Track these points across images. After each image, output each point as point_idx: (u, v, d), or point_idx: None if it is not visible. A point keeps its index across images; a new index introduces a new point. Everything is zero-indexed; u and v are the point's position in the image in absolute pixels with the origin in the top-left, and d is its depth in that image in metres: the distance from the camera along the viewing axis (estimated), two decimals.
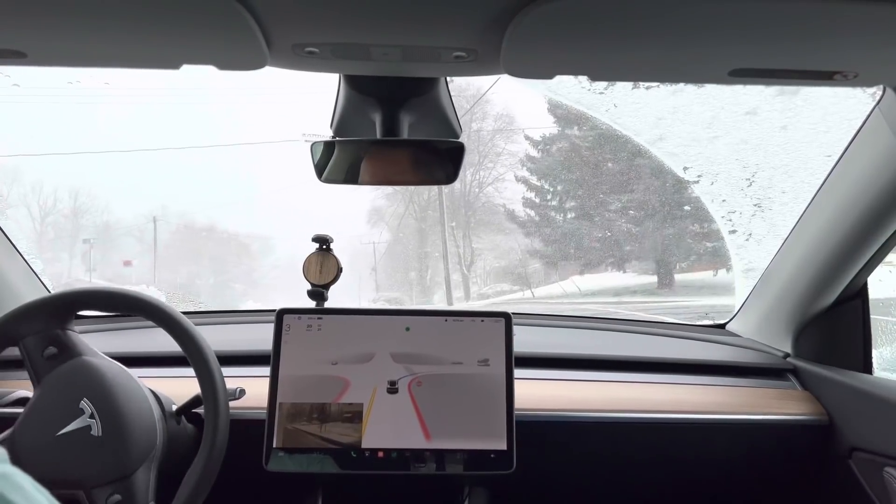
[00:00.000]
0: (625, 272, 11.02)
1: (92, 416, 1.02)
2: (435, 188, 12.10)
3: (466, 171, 13.17)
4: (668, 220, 10.24)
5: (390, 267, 14.67)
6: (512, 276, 12.97)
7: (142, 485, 1.02)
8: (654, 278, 10.27)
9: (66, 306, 1.11)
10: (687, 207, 10.11)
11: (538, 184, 12.67)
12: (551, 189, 12.73)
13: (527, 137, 13.07)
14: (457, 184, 13.72)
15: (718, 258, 10.10)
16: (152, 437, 1.05)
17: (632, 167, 10.30)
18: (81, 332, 1.27)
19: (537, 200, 12.37)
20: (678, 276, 10.33)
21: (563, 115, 11.01)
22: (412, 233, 14.30)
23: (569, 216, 11.78)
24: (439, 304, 11.95)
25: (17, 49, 0.76)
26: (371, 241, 14.02)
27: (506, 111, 13.60)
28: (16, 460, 0.98)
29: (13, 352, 1.10)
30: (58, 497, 0.48)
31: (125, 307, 1.12)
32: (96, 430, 1.01)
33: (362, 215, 14.31)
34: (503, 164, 13.69)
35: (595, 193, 11.08)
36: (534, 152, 13.31)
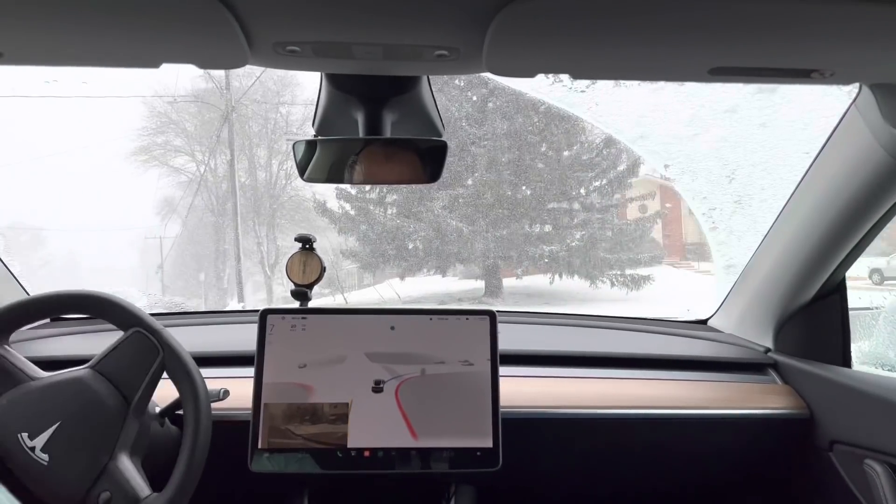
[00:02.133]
0: (450, 276, 10.07)
1: (32, 451, 1.01)
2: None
3: (273, 159, 12.26)
4: (502, 221, 9.60)
5: (181, 265, 13.17)
6: (325, 278, 11.19)
7: (126, 475, 1.02)
8: (482, 283, 9.64)
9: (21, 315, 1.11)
10: (553, 207, 9.59)
11: None
12: None
13: None
14: (261, 172, 12.25)
15: (556, 263, 9.67)
16: (112, 432, 1.04)
17: (464, 157, 9.53)
18: (58, 336, 1.26)
19: (353, 192, 10.59)
20: (510, 283, 9.78)
21: None
22: (208, 228, 12.44)
23: (390, 212, 10.36)
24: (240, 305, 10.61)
25: None
26: (158, 235, 12.40)
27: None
28: None
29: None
30: None
31: (103, 314, 1.11)
32: (43, 460, 1.01)
33: (152, 205, 12.54)
34: None
35: (422, 186, 9.79)
36: None
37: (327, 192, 10.41)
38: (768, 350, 1.51)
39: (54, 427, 1.02)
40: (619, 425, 1.33)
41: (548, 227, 10.17)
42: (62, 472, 1.01)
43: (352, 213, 10.51)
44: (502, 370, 1.24)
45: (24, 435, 1.01)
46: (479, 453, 1.18)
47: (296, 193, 12.05)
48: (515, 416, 1.27)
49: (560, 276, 9.89)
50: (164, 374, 1.09)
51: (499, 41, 0.73)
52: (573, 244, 9.90)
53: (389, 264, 10.28)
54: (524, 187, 9.95)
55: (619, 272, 9.86)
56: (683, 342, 1.63)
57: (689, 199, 1.93)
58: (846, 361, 1.39)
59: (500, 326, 1.25)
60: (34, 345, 1.47)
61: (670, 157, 1.91)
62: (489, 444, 1.18)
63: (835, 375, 1.32)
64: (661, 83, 1.64)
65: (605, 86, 1.75)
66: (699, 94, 1.70)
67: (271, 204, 12.32)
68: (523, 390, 1.34)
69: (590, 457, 1.37)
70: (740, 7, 0.66)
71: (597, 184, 10.19)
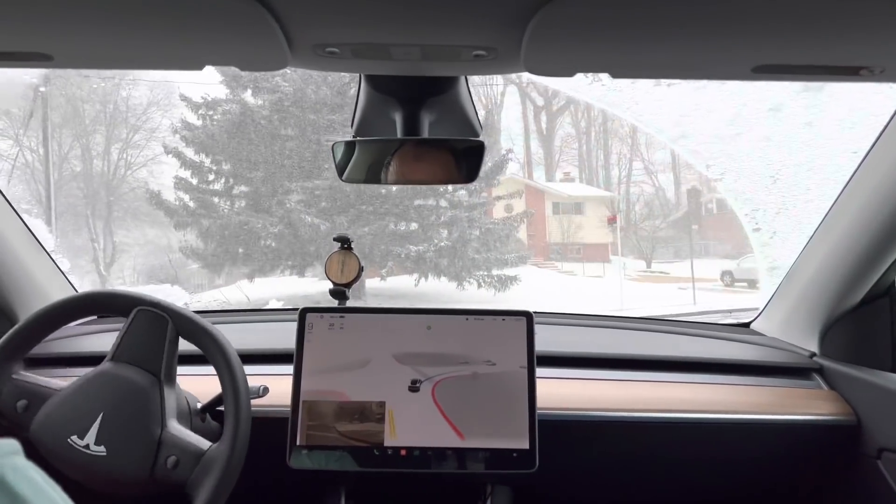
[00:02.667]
0: (310, 277, 9.27)
1: (87, 448, 1.04)
2: None
3: (112, 146, 11.03)
4: (364, 218, 8.99)
5: None
6: (167, 277, 10.20)
7: (183, 436, 1.06)
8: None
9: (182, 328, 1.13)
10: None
11: (196, 159, 9.72)
12: (214, 167, 9.75)
13: (183, 97, 10.08)
14: (98, 162, 10.79)
15: (422, 263, 9.24)
16: (153, 406, 1.07)
17: (322, 147, 8.71)
18: (101, 332, 1.29)
19: (195, 182, 9.58)
20: (373, 284, 9.23)
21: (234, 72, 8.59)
22: (34, 222, 10.52)
23: (238, 205, 9.52)
24: None
25: (44, 52, 0.77)
26: None
27: (164, 76, 10.61)
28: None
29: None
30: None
31: (122, 310, 1.14)
32: (101, 452, 1.04)
33: None
34: (159, 140, 10.51)
35: (276, 177, 9.10)
36: (192, 117, 9.99)
37: (166, 180, 9.56)
38: (813, 354, 1.48)
39: (98, 420, 1.04)
40: (659, 429, 1.31)
41: (414, 226, 9.70)
42: (123, 455, 1.03)
43: (191, 205, 9.60)
44: (539, 371, 1.23)
45: (74, 437, 1.04)
46: (515, 454, 1.18)
47: (139, 185, 10.92)
48: (552, 418, 1.27)
49: (426, 277, 9.56)
50: (204, 372, 1.11)
51: (537, 41, 0.73)
52: (441, 244, 9.53)
53: (237, 264, 9.52)
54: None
55: (486, 273, 9.60)
56: (725, 345, 1.60)
57: (732, 199, 1.89)
58: None
59: (536, 327, 1.25)
60: (79, 341, 1.52)
61: (712, 157, 1.88)
62: (526, 445, 1.18)
63: (884, 381, 1.28)
64: (703, 82, 1.62)
65: (644, 85, 1.73)
66: (742, 92, 1.67)
67: (108, 196, 11.01)
68: (560, 392, 1.33)
69: (628, 460, 1.36)
70: (785, 2, 0.64)
71: None
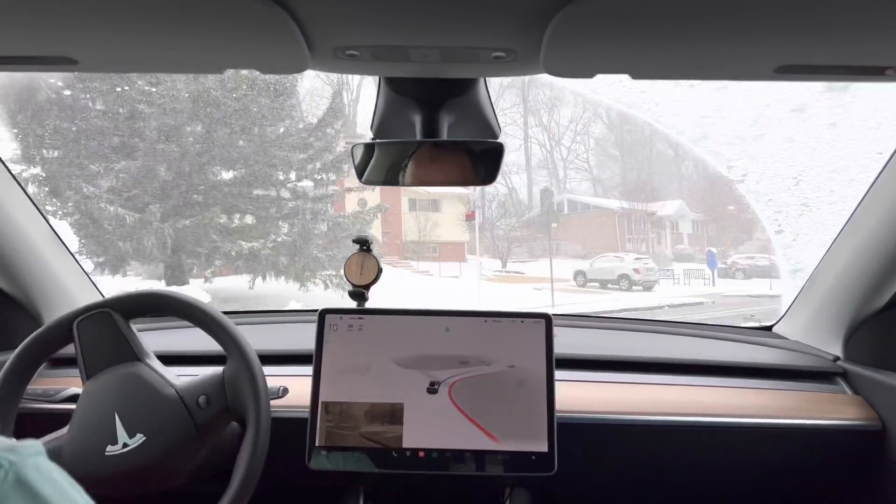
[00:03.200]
0: (132, 276, 8.51)
1: (126, 447, 1.05)
2: None
3: None
4: (192, 207, 7.90)
5: None
6: None
7: (196, 381, 1.10)
8: (161, 284, 8.07)
9: (130, 308, 1.14)
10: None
11: None
12: None
13: None
14: None
15: (254, 262, 8.26)
16: (155, 374, 1.09)
17: (135, 121, 7.49)
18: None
19: None
20: (199, 285, 8.37)
21: None
22: None
23: (31, 191, 7.89)
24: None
25: (69, 56, 0.79)
26: None
27: None
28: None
29: (67, 351, 1.13)
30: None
31: (173, 311, 1.14)
32: (139, 441, 1.05)
33: None
34: None
35: (72, 157, 7.69)
36: None
37: None
38: (837, 358, 1.46)
39: (117, 418, 1.06)
40: (680, 433, 1.30)
41: (249, 219, 8.74)
42: (160, 428, 1.05)
43: None
44: (558, 374, 1.23)
45: (108, 447, 1.05)
46: (533, 457, 1.17)
47: None
48: (572, 421, 1.26)
49: (263, 277, 8.73)
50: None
51: (557, 42, 0.73)
52: (280, 239, 8.58)
53: None
54: (220, 168, 8.08)
55: (333, 272, 8.76)
56: (747, 349, 1.58)
57: (754, 201, 1.87)
58: None
59: (555, 330, 1.24)
60: None
61: (733, 159, 1.86)
62: (544, 448, 1.17)
63: None
64: (724, 82, 1.60)
65: (665, 85, 1.71)
66: (764, 92, 1.65)
67: None
68: (580, 395, 1.33)
69: (648, 464, 1.35)
70: (808, 1, 0.63)
71: (310, 167, 8.73)
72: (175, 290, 1.18)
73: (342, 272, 1.36)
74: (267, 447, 1.07)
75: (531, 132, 21.55)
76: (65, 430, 1.09)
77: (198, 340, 1.25)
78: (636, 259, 13.54)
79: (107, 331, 1.12)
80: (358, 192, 9.76)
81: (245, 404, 1.08)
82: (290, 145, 8.73)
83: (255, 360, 1.10)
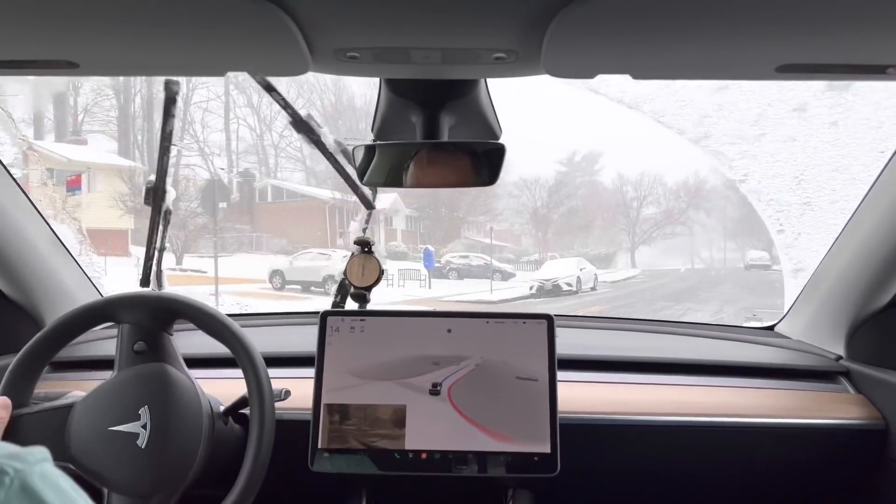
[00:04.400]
0: None
1: (144, 427, 1.04)
2: None
3: None
4: None
5: None
6: None
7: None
8: None
9: (170, 312, 1.13)
10: None
11: None
12: None
13: None
14: None
15: None
16: (186, 465, 1.06)
17: None
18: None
19: None
20: None
21: None
22: None
23: None
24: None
25: (71, 59, 0.79)
26: None
27: None
28: (67, 435, 1.04)
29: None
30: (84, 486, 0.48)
31: (182, 315, 1.14)
32: (142, 442, 1.03)
33: None
34: None
35: None
36: None
37: None
38: (840, 357, 1.45)
39: (146, 409, 1.05)
40: (682, 433, 1.30)
41: None
42: (177, 427, 1.05)
43: None
44: (560, 375, 1.22)
45: (121, 425, 1.04)
46: (536, 458, 1.17)
47: None
48: (574, 422, 1.26)
49: None
50: (224, 375, 1.12)
51: (558, 43, 0.73)
52: None
53: None
54: None
55: None
56: (749, 348, 1.58)
57: (755, 201, 1.87)
58: None
59: (557, 331, 1.24)
60: (106, 344, 1.54)
61: (735, 158, 1.86)
62: (547, 449, 1.17)
63: None
64: (726, 82, 1.60)
65: (665, 84, 1.71)
66: (766, 91, 1.65)
67: None
68: (582, 396, 1.33)
69: (650, 465, 1.35)
70: (810, 0, 0.63)
71: None
72: (178, 292, 1.18)
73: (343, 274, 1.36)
74: (270, 450, 1.07)
75: (239, 112, 18.75)
76: (82, 393, 1.09)
77: (197, 341, 1.25)
78: (345, 258, 12.20)
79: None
80: None
81: (249, 407, 1.08)
82: None
83: (261, 363, 1.10)
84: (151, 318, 1.12)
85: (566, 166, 21.85)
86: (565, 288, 12.55)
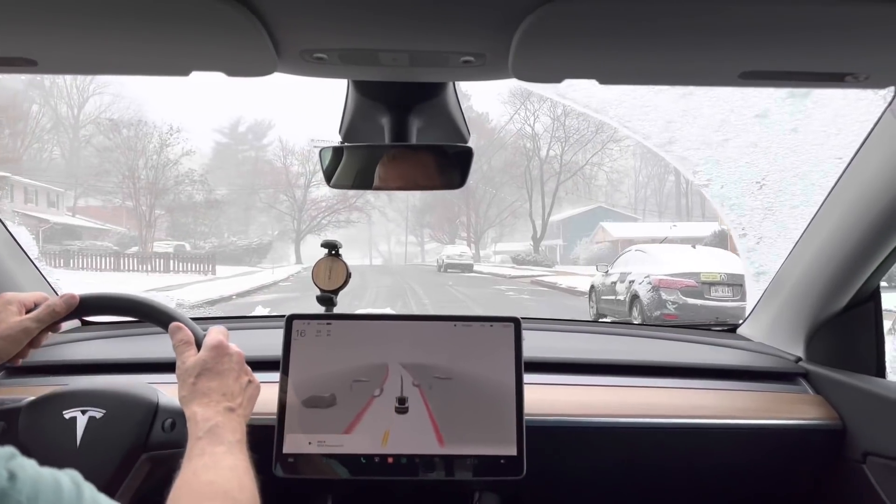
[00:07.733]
0: None
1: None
2: None
3: None
4: None
5: None
6: None
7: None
8: None
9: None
10: None
11: None
12: None
13: None
14: None
15: None
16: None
17: None
18: (93, 339, 1.27)
19: None
20: None
21: None
22: None
23: None
24: None
25: (28, 57, 0.77)
26: None
27: None
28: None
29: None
30: None
31: (125, 311, 1.11)
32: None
33: None
34: None
35: None
36: None
37: None
38: (799, 359, 1.48)
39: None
40: (646, 435, 1.31)
41: None
42: (121, 417, 1.02)
43: None
44: (527, 377, 1.23)
45: (68, 411, 1.01)
46: (503, 461, 1.17)
47: None
48: (540, 424, 1.26)
49: None
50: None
51: (525, 47, 0.73)
52: None
53: None
54: None
55: None
56: (712, 350, 1.60)
57: (718, 205, 1.90)
58: (880, 371, 1.36)
59: (524, 333, 1.24)
60: (60, 349, 1.50)
61: (699, 163, 1.89)
62: (513, 451, 1.17)
63: (869, 385, 1.29)
64: (690, 88, 1.62)
65: (631, 89, 1.73)
66: (729, 98, 1.68)
67: None
68: (548, 398, 1.33)
69: (616, 466, 1.36)
70: (772, 10, 0.65)
71: None
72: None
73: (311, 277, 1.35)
74: None
75: None
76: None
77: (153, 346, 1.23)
78: None
79: None
80: None
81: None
82: None
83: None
84: None
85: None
86: None
